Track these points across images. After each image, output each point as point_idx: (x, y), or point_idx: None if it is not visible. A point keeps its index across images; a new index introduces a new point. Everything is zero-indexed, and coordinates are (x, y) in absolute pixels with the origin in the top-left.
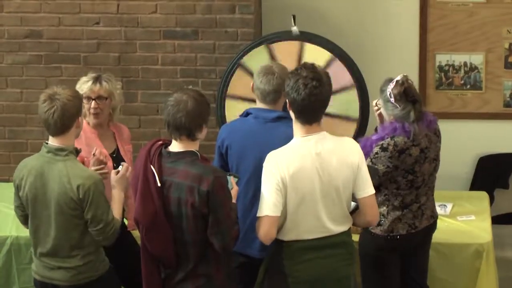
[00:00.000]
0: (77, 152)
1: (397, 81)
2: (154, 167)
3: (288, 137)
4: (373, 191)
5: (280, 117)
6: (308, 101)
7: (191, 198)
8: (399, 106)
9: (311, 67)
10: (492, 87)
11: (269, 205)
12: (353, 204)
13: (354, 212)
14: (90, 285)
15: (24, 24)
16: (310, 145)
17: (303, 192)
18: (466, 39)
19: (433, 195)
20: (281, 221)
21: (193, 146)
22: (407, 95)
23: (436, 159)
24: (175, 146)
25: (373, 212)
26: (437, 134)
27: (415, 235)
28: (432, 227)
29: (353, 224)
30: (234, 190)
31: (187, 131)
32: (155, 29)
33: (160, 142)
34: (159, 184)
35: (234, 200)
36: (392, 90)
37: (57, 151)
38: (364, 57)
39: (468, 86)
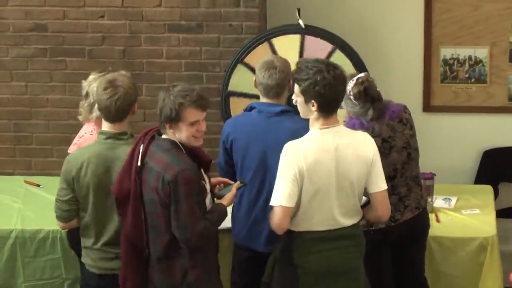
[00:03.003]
0: (132, 136)
1: (357, 80)
2: (142, 147)
3: (293, 131)
4: (386, 187)
5: (284, 111)
6: (330, 93)
7: (156, 184)
8: (358, 104)
9: (326, 62)
10: (497, 80)
11: (284, 195)
12: (364, 198)
13: (364, 206)
14: None
15: (29, 18)
16: (328, 138)
17: (318, 184)
18: (471, 33)
19: (419, 185)
20: (294, 212)
21: (174, 137)
22: (366, 94)
23: (407, 148)
24: (164, 134)
25: (385, 208)
26: (403, 122)
27: (396, 228)
28: (418, 218)
29: (364, 219)
30: (230, 194)
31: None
32: (159, 22)
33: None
34: (139, 164)
35: (225, 202)
36: (352, 88)
37: (119, 135)
38: (368, 51)
39: (473, 80)
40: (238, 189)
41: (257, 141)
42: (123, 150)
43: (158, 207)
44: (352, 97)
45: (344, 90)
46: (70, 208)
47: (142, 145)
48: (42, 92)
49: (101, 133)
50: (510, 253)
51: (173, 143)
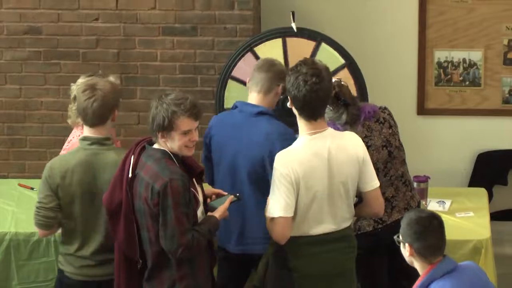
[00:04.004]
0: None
1: None
2: (133, 158)
3: (266, 134)
4: (378, 183)
5: (262, 112)
6: (310, 97)
7: (145, 194)
8: (333, 109)
9: (311, 63)
10: (491, 83)
11: (282, 206)
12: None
13: (356, 205)
14: None
15: (23, 20)
16: (319, 143)
17: (314, 191)
18: (465, 36)
19: (407, 186)
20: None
21: (165, 147)
22: (338, 99)
23: (387, 146)
24: (156, 143)
25: (380, 204)
26: (380, 121)
27: (385, 230)
28: None
29: (357, 216)
30: (223, 207)
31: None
32: (154, 25)
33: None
34: (130, 175)
35: (218, 215)
36: None
37: (103, 140)
38: (363, 53)
39: (467, 83)
40: (232, 202)
41: (232, 140)
42: (110, 156)
43: (148, 218)
44: None
45: (323, 97)
46: (55, 215)
47: (132, 156)
48: (36, 95)
49: (84, 138)
50: (504, 256)
51: (163, 152)
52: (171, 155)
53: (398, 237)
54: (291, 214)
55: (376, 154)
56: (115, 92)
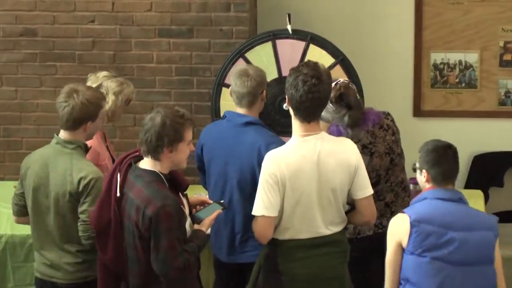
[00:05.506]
0: (86, 149)
1: (335, 85)
2: (120, 176)
3: (252, 144)
4: (371, 192)
5: (249, 122)
6: (306, 98)
7: (136, 218)
8: (334, 108)
9: (313, 65)
10: (487, 85)
11: (266, 205)
12: (346, 206)
13: (349, 212)
14: (88, 285)
15: (19, 22)
16: (310, 146)
17: (300, 193)
18: (461, 37)
19: (406, 192)
20: (277, 221)
21: (158, 167)
22: (342, 100)
23: (390, 153)
24: (144, 162)
25: (371, 212)
26: (384, 128)
27: (383, 234)
28: None
29: (349, 224)
30: (209, 219)
31: (150, 151)
32: (150, 27)
33: (137, 154)
34: (118, 194)
35: (205, 229)
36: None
37: (65, 143)
38: (359, 55)
39: (463, 85)
40: (219, 213)
41: (220, 150)
42: (63, 160)
43: (137, 239)
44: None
45: (319, 99)
46: (20, 203)
47: (119, 174)
48: (32, 97)
49: (55, 137)
50: (501, 258)
51: (153, 174)
52: (161, 176)
53: (415, 164)
54: (273, 214)
55: (379, 161)
56: (90, 106)
